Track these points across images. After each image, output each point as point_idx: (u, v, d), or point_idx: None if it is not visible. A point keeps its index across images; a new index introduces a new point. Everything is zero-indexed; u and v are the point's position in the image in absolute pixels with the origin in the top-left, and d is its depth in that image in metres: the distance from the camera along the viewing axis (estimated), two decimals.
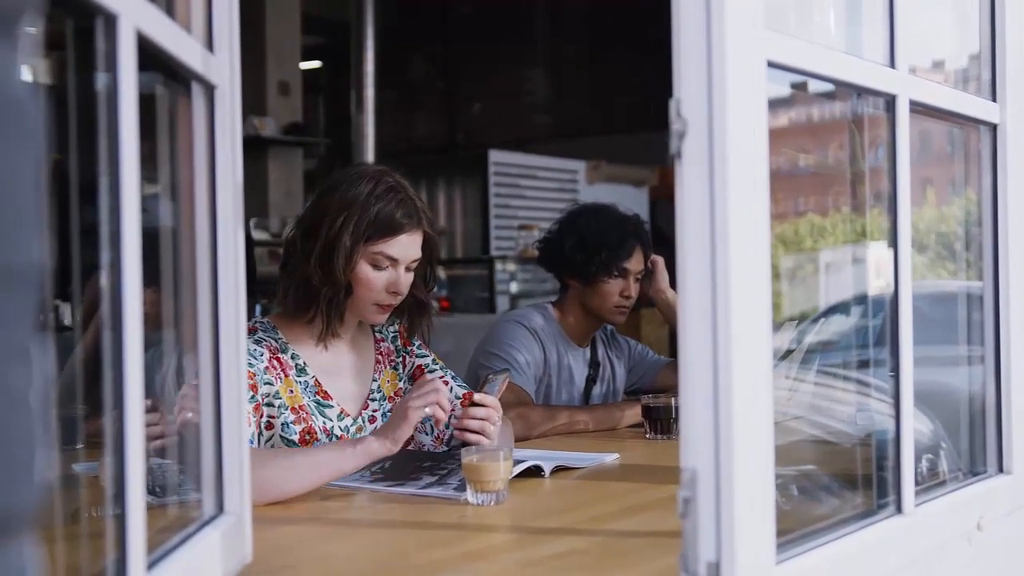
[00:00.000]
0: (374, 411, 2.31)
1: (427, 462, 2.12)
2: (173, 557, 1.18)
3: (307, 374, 2.22)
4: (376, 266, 2.18)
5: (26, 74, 0.58)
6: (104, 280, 1.01)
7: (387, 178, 2.21)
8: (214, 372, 1.38)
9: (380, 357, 2.37)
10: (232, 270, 1.38)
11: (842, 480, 1.72)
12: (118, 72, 1.01)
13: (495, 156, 8.34)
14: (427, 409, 1.97)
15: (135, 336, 1.02)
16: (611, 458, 2.34)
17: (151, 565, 1.10)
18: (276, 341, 2.21)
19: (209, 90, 1.35)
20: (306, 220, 2.22)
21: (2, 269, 0.54)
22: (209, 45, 1.35)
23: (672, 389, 2.93)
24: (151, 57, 1.12)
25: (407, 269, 2.22)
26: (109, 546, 1.04)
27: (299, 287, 2.19)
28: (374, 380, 2.34)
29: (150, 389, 1.07)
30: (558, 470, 2.16)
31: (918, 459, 1.64)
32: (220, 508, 1.38)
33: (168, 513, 1.40)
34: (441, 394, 2.00)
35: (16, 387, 0.55)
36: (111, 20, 0.99)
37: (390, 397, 2.35)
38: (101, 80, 1.02)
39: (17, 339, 0.56)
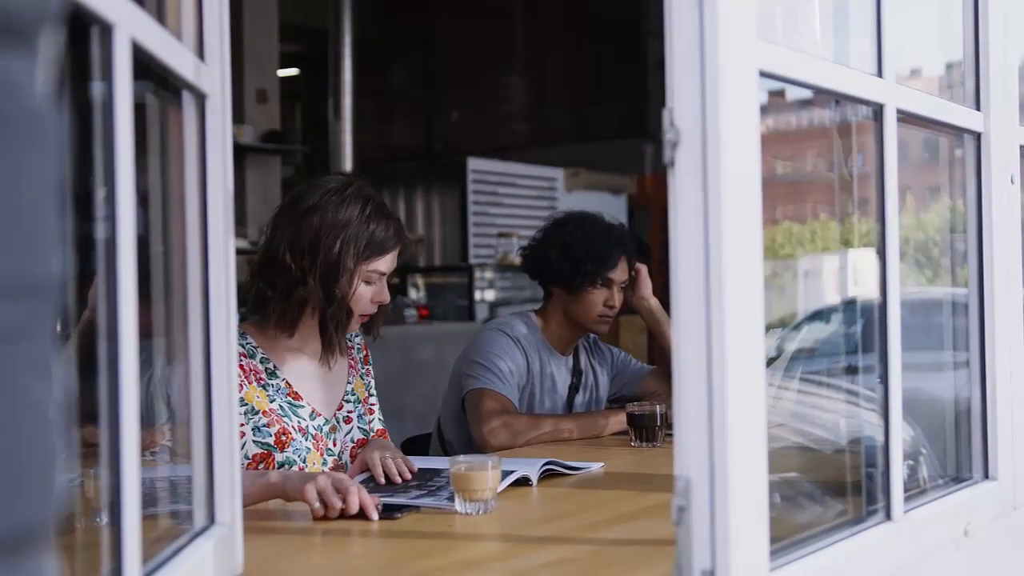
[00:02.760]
0: (349, 412, 2.37)
1: (414, 480, 2.11)
2: (166, 568, 1.18)
3: (278, 377, 2.25)
4: (368, 282, 2.26)
5: (45, 85, 0.58)
6: (100, 289, 1.01)
7: (368, 194, 2.27)
8: (205, 382, 1.37)
9: (352, 362, 2.44)
10: (223, 279, 1.37)
11: (829, 487, 1.72)
12: (114, 81, 1.00)
13: (473, 164, 8.33)
14: (316, 506, 1.83)
15: (130, 346, 1.01)
16: (597, 467, 2.34)
17: None
18: (243, 346, 2.23)
19: (200, 99, 1.34)
20: (291, 238, 2.21)
21: (23, 281, 0.54)
22: (200, 54, 1.34)
23: (655, 396, 2.94)
24: (144, 66, 1.11)
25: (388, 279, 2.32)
26: (103, 557, 1.03)
27: (296, 307, 2.22)
28: (348, 383, 2.40)
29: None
30: (547, 476, 2.16)
31: None
32: (211, 519, 1.37)
33: (158, 524, 1.39)
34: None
35: (38, 400, 0.55)
36: (107, 29, 0.99)
37: (363, 401, 2.42)
38: (96, 88, 1.01)
39: (38, 351, 0.55)
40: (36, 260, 0.55)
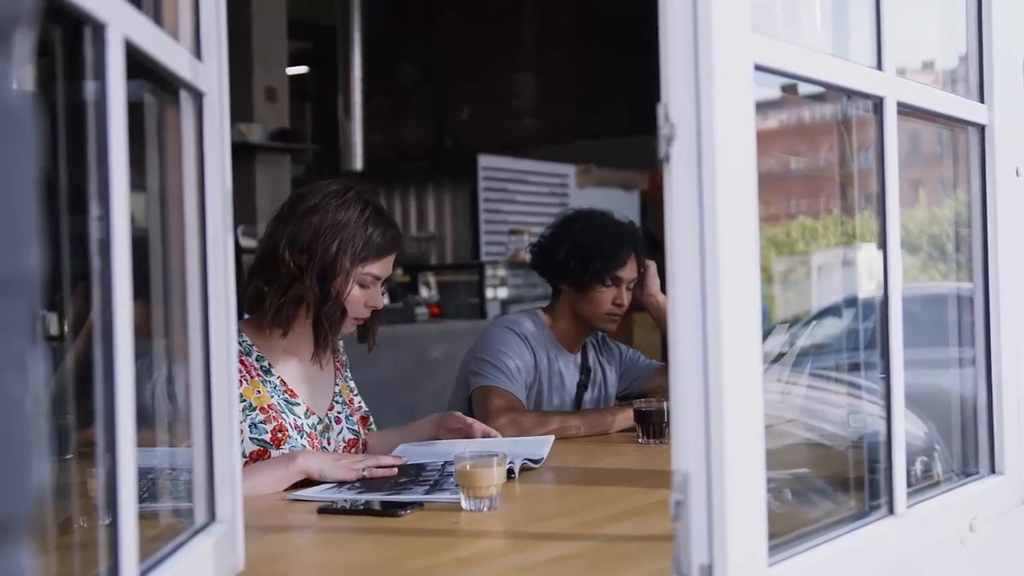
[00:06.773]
0: (338, 413, 2.42)
1: (403, 478, 2.11)
2: (165, 565, 1.18)
3: (273, 375, 2.29)
4: (362, 285, 2.30)
5: (20, 82, 0.58)
6: (94, 289, 1.01)
7: (368, 199, 2.32)
8: (205, 380, 1.37)
9: (339, 365, 2.48)
10: (222, 279, 1.38)
11: (835, 482, 1.72)
12: (107, 80, 1.00)
13: (484, 161, 8.33)
14: (364, 473, 2.11)
15: (125, 345, 1.02)
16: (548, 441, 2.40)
17: (143, 573, 1.10)
18: (240, 344, 2.26)
19: (198, 98, 1.34)
20: (290, 237, 2.25)
21: (0, 277, 0.55)
22: (197, 53, 1.35)
23: (663, 393, 2.93)
24: (139, 65, 1.11)
25: (383, 284, 2.36)
26: (101, 555, 1.04)
27: (292, 304, 2.26)
28: (336, 385, 2.44)
29: (139, 399, 1.06)
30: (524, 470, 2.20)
31: (912, 461, 1.64)
32: (212, 516, 1.37)
33: (159, 521, 1.40)
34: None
35: (14, 394, 0.56)
36: (99, 28, 0.99)
37: (348, 403, 2.46)
38: (89, 88, 1.02)
39: (15, 346, 0.56)
40: (13, 256, 0.56)
